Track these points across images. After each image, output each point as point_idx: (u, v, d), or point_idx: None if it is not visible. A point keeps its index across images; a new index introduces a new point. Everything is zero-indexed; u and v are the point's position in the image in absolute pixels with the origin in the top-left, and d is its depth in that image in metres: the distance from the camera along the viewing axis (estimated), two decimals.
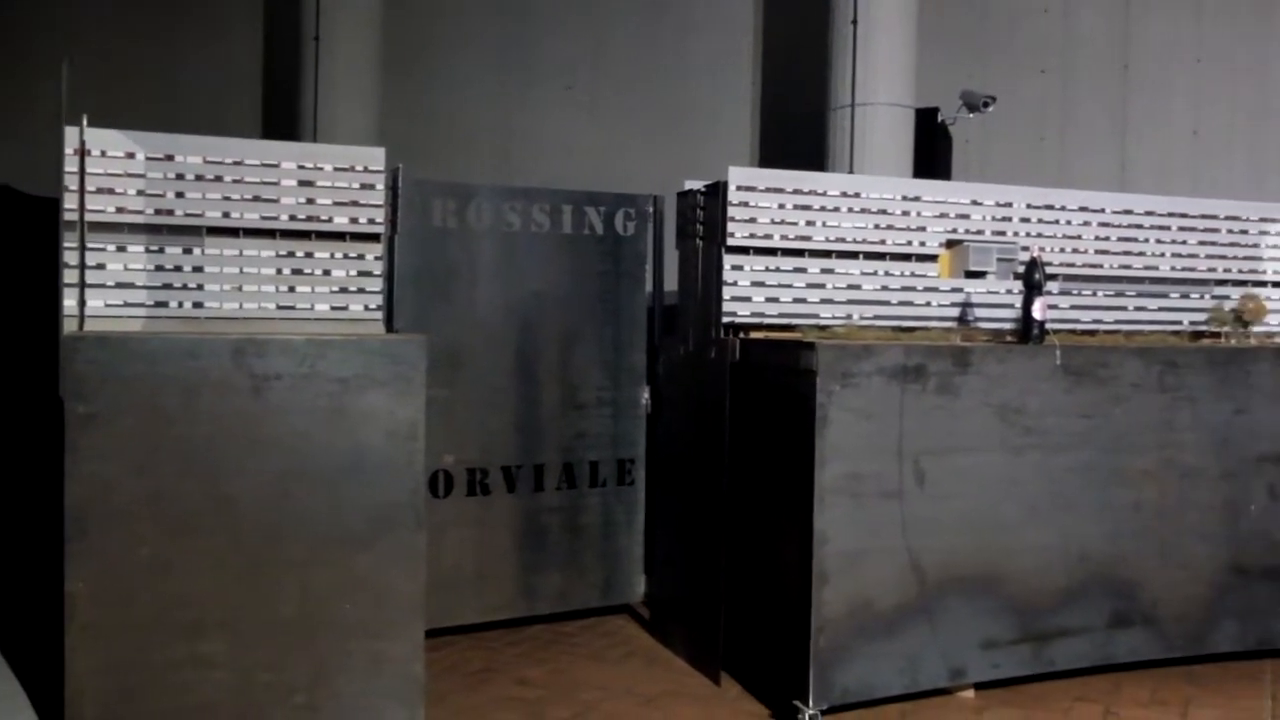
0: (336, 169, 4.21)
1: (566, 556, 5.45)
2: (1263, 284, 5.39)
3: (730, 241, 4.61)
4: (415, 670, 3.93)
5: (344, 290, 4.22)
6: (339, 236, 4.22)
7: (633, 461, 5.53)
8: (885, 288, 4.84)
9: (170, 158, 4.01)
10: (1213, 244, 5.31)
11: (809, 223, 4.71)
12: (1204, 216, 5.30)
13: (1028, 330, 4.66)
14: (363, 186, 4.24)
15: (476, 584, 5.24)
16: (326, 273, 4.20)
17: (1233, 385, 4.90)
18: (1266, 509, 4.96)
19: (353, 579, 3.83)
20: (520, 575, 5.35)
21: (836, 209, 4.75)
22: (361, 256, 4.24)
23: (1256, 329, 5.28)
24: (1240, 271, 5.37)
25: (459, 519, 5.19)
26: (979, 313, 4.95)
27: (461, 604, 5.20)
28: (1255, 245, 5.36)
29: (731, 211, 4.60)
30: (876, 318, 4.81)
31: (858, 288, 4.80)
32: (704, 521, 4.86)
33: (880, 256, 4.84)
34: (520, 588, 5.35)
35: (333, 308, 4.20)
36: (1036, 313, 4.63)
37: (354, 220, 4.22)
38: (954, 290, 4.94)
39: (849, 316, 4.77)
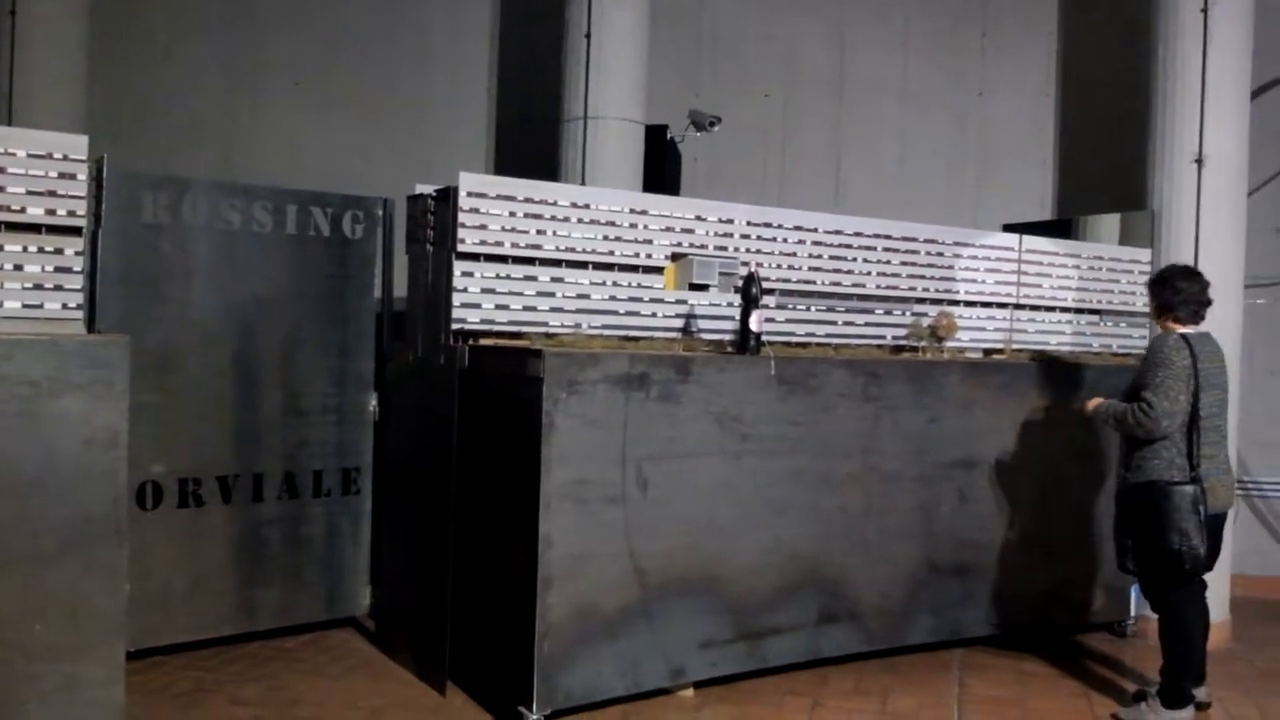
0: (31, 155, 3.90)
1: (287, 569, 5.26)
2: (956, 302, 5.79)
3: (460, 248, 4.56)
4: (115, 694, 3.69)
5: (39, 287, 3.90)
6: (34, 229, 3.91)
7: (359, 470, 5.40)
8: (613, 298, 4.90)
9: None
10: (913, 264, 5.65)
11: (540, 231, 4.72)
12: (906, 239, 5.63)
13: (745, 341, 4.77)
14: (62, 176, 3.95)
15: (189, 600, 4.98)
16: (19, 267, 3.88)
17: (927, 396, 5.24)
18: (956, 510, 5.35)
19: (43, 597, 3.56)
20: (237, 590, 5.12)
21: (567, 219, 4.78)
22: (60, 251, 3.94)
23: (949, 344, 5.64)
24: (937, 291, 5.74)
25: (170, 532, 4.91)
26: (701, 324, 5.07)
27: (172, 622, 4.92)
28: (950, 267, 5.76)
29: (462, 218, 4.56)
30: (604, 327, 4.86)
31: (586, 297, 4.84)
32: (431, 530, 4.78)
33: (609, 267, 4.89)
34: (237, 603, 5.12)
35: (25, 305, 3.87)
36: (753, 325, 4.78)
37: (51, 212, 3.92)
38: (678, 302, 5.04)
39: (577, 325, 4.81)
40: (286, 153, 8.21)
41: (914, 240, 5.67)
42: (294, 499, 5.24)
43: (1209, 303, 4.63)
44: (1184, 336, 4.55)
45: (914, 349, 5.62)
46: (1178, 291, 4.60)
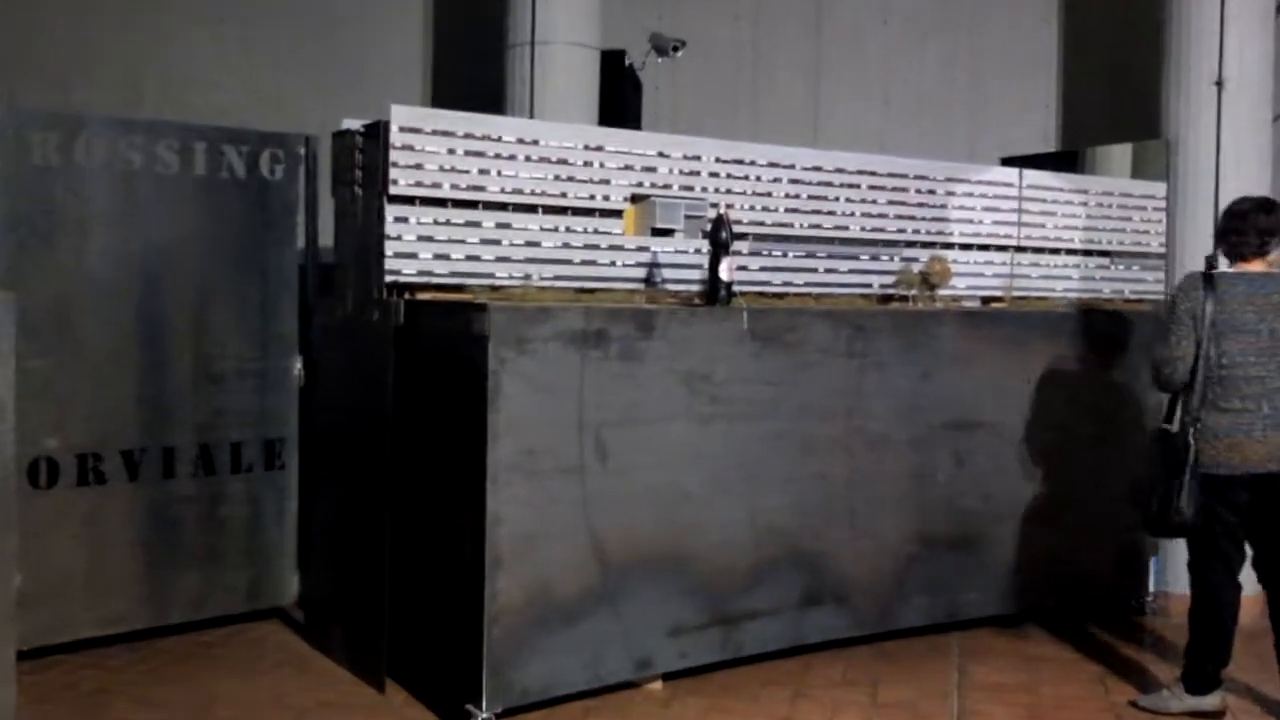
0: None
1: (204, 555, 5.21)
2: (950, 246, 5.78)
3: (393, 190, 4.50)
4: (3, 698, 3.62)
5: None
6: None
7: (283, 442, 5.37)
8: (566, 245, 4.86)
9: None
10: (901, 204, 5.63)
11: (483, 171, 4.67)
12: (893, 175, 5.60)
13: (715, 292, 4.75)
14: None
15: (90, 591, 4.91)
16: None
17: (919, 350, 5.22)
18: (953, 477, 5.34)
19: None
20: (147, 579, 5.07)
21: (513, 157, 4.72)
22: None
23: (942, 291, 5.63)
24: (928, 233, 5.72)
25: (67, 514, 4.84)
26: (666, 273, 5.04)
27: (72, 616, 4.86)
28: (943, 207, 5.74)
29: (394, 156, 4.49)
30: (557, 278, 4.82)
31: (536, 245, 4.79)
32: (365, 509, 4.74)
33: (561, 211, 4.85)
34: (147, 594, 5.07)
35: None
36: (724, 274, 4.75)
37: None
38: (639, 249, 5.01)
39: (527, 276, 4.76)
40: (203, 89, 8.06)
41: (902, 177, 5.65)
42: (210, 475, 5.19)
43: (1258, 239, 4.50)
44: (1206, 275, 4.52)
45: (904, 298, 5.60)
46: (1226, 220, 4.58)
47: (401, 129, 4.53)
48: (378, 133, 4.57)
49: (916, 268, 5.62)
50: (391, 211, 4.54)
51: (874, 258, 5.58)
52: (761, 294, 5.21)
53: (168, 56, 8.30)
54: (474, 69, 7.49)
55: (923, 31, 7.59)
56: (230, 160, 5.12)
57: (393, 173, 4.51)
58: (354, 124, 4.74)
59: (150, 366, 5.01)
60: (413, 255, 4.59)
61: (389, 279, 4.57)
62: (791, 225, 5.37)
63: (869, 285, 5.56)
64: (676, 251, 5.09)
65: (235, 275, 5.18)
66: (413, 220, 4.58)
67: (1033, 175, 6.05)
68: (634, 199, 5.03)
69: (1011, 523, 5.52)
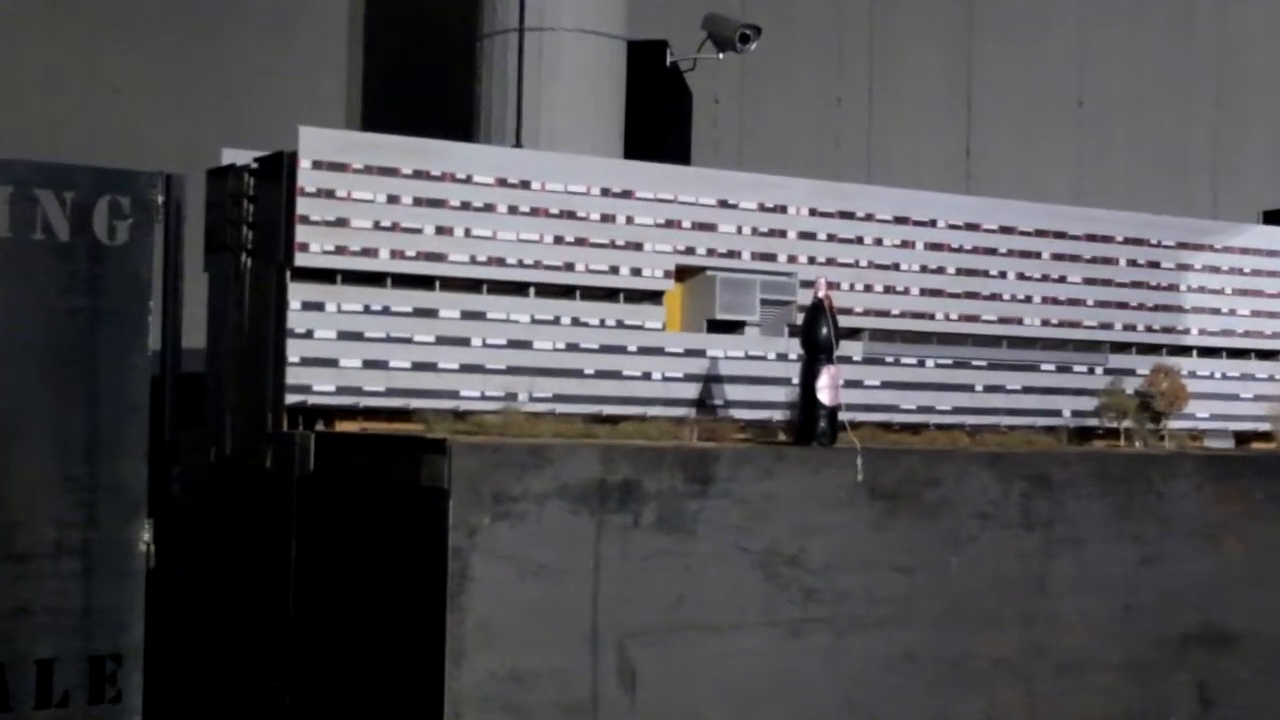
0: None
1: None
2: (1184, 350, 5.81)
3: (300, 260, 4.56)
4: None
5: None
6: None
7: (119, 660, 5.25)
8: (574, 346, 4.87)
9: None
10: (1108, 282, 5.65)
11: (443, 230, 4.72)
12: (1093, 239, 5.62)
13: (810, 424, 4.76)
14: None
15: None
16: None
17: (1137, 517, 5.16)
18: None
19: None
20: None
21: (491, 207, 4.78)
22: None
23: (1174, 424, 5.62)
24: (1149, 329, 5.74)
25: None
26: (731, 392, 5.05)
27: None
28: (1173, 287, 5.76)
29: (304, 206, 4.55)
30: (558, 398, 4.83)
31: (526, 346, 4.81)
32: None
33: (566, 292, 4.90)
34: None
35: None
36: (824, 393, 4.72)
37: None
38: (688, 353, 5.02)
39: (511, 396, 4.77)
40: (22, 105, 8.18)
41: (1108, 241, 5.69)
42: (4, 713, 5.10)
43: None
44: None
45: (1113, 433, 5.60)
46: None
47: (315, 164, 4.57)
48: (278, 170, 4.62)
49: (1132, 385, 5.63)
50: (298, 293, 4.58)
51: (1064, 369, 5.60)
52: (885, 426, 5.23)
53: None
54: (425, 73, 7.59)
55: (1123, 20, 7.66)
56: (47, 212, 5.05)
57: (301, 232, 4.54)
58: (240, 156, 4.79)
59: None
60: (330, 362, 4.60)
61: (292, 399, 4.60)
62: (932, 316, 5.40)
63: (1057, 413, 5.57)
64: (747, 357, 5.10)
65: (50, 393, 5.05)
66: (331, 307, 4.61)
67: None
68: (680, 274, 5.07)
69: None
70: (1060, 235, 5.60)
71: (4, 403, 5.02)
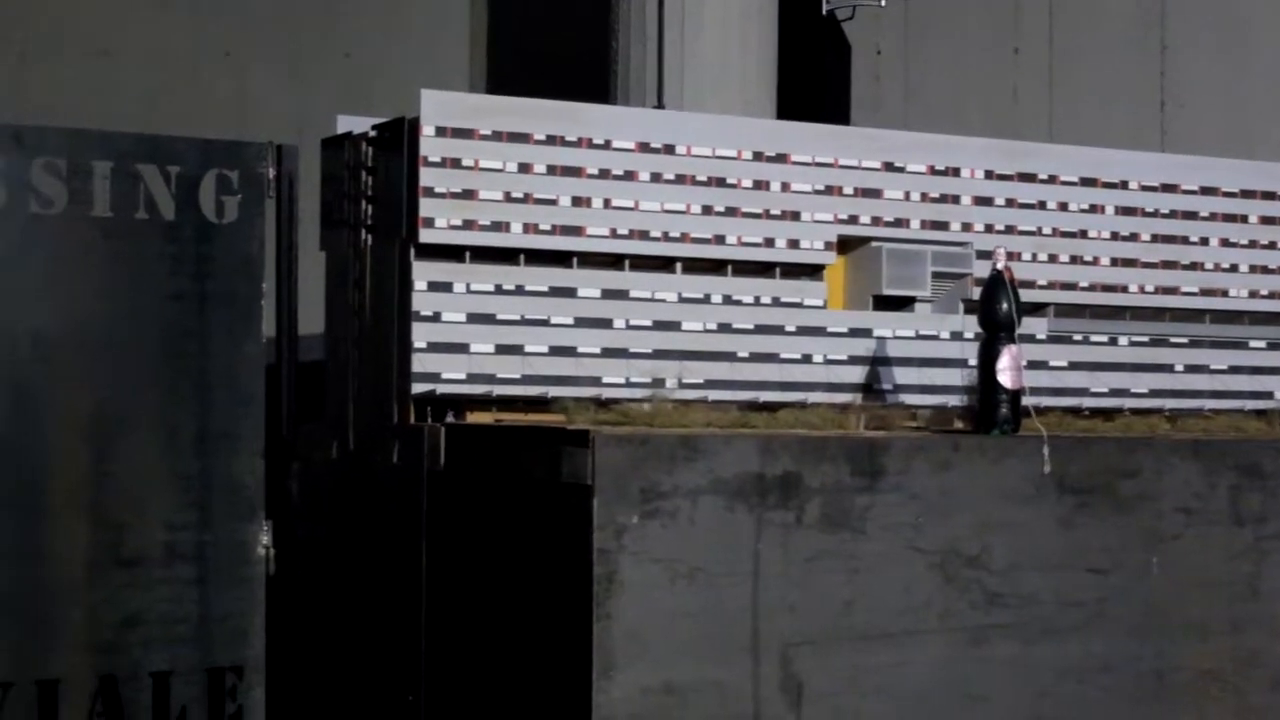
0: None
1: None
2: None
3: (426, 235, 4.51)
4: None
5: None
6: None
7: (240, 672, 5.13)
8: (725, 326, 4.78)
9: None
10: None
11: (579, 200, 4.63)
12: None
13: (990, 410, 4.61)
14: None
15: None
16: None
17: None
18: None
19: None
20: None
21: (632, 175, 4.70)
22: None
23: None
24: None
25: None
26: (899, 374, 4.96)
27: None
28: None
29: (428, 177, 4.53)
30: (709, 383, 4.75)
31: (674, 327, 4.73)
32: None
33: (717, 267, 4.81)
34: None
35: None
36: (1005, 376, 4.58)
37: None
38: (853, 333, 4.93)
39: (657, 382, 4.68)
40: (99, 70, 8.12)
41: None
42: None
43: None
44: None
45: None
46: None
47: (439, 131, 4.51)
48: (399, 138, 4.57)
49: None
50: (423, 272, 4.52)
51: (1275, 345, 5.48)
52: (1072, 410, 5.08)
53: (51, 27, 8.41)
54: (556, 28, 7.52)
55: None
56: (150, 189, 4.97)
57: (425, 206, 4.49)
58: (357, 124, 4.77)
59: (11, 540, 4.84)
60: (460, 347, 4.55)
61: (419, 388, 4.53)
62: (1125, 288, 5.26)
63: (1268, 395, 5.44)
64: (918, 337, 5.00)
65: (157, 386, 5.03)
66: (459, 287, 4.54)
67: None
68: (842, 245, 4.93)
69: None
70: (1270, 196, 5.50)
71: (108, 396, 4.96)
